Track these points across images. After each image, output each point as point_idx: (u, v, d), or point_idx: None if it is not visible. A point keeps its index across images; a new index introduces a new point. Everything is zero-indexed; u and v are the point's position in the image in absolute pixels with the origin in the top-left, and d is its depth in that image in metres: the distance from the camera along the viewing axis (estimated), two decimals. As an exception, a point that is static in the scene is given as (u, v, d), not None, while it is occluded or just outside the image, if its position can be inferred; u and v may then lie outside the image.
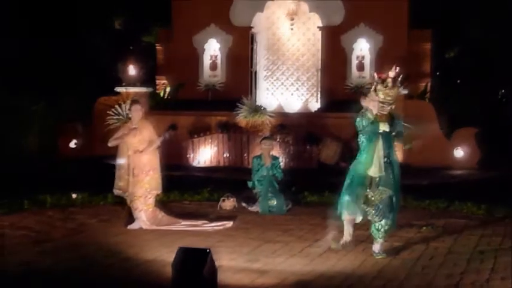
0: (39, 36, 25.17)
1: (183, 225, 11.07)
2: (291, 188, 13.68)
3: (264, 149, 13.13)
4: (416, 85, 23.58)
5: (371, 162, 9.04)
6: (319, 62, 23.92)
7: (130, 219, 11.12)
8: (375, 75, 9.14)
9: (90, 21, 27.44)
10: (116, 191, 11.24)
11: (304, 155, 19.93)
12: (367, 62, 23.20)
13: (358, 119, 9.14)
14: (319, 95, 23.95)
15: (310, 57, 24.50)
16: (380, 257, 9.06)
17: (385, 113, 9.04)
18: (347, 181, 9.32)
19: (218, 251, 8.47)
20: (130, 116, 11.36)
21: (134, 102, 11.48)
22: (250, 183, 13.04)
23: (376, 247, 9.19)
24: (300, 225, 11.23)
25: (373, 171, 9.06)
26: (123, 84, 22.47)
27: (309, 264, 8.69)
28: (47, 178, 15.58)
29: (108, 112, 20.14)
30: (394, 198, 9.18)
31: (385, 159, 9.07)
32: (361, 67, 23.12)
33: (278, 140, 19.59)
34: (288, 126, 20.83)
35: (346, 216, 9.39)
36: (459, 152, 20.51)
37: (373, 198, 9.11)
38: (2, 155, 19.32)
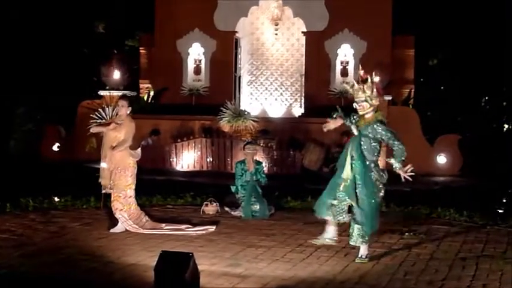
0: (23, 38, 25.07)
1: (166, 229, 11.03)
2: (274, 193, 13.68)
3: (247, 154, 13.14)
4: (400, 91, 23.71)
5: (344, 164, 9.26)
6: (303, 67, 23.98)
7: (112, 221, 11.08)
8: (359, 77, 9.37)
9: (73, 24, 27.35)
10: (103, 190, 11.16)
11: (287, 160, 19.94)
12: (351, 67, 23.28)
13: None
14: (302, 100, 24.01)
15: (294, 62, 24.57)
16: (359, 261, 9.09)
17: (361, 113, 9.28)
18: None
19: (200, 256, 8.47)
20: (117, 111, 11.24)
21: (122, 97, 11.43)
22: (233, 188, 13.03)
23: (361, 251, 9.24)
24: (282, 231, 11.22)
25: (344, 174, 9.26)
26: (107, 87, 22.45)
27: (291, 270, 8.68)
28: (30, 181, 15.51)
29: (91, 115, 20.05)
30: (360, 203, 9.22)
31: (353, 162, 9.17)
32: (345, 73, 23.20)
33: (261, 144, 19.59)
34: (272, 131, 20.87)
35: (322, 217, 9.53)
36: (442, 159, 20.61)
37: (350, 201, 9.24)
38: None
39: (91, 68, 26.84)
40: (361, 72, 9.36)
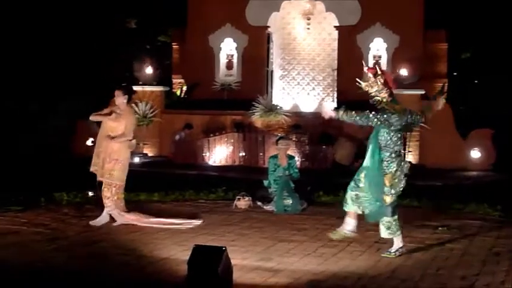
0: (60, 34, 25.29)
1: (151, 222, 11.01)
2: (306, 188, 13.67)
3: (280, 148, 13.14)
4: (432, 85, 23.53)
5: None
6: (335, 61, 23.92)
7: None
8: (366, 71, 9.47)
9: (107, 20, 27.52)
10: (92, 168, 11.14)
11: (319, 155, 19.91)
12: (383, 61, 23.17)
13: None
14: (335, 95, 23.94)
15: (326, 56, 24.51)
16: (385, 255, 9.09)
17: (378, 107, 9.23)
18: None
19: (232, 250, 8.47)
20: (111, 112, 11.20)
21: (118, 87, 11.30)
22: (266, 182, 13.05)
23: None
24: (314, 225, 11.22)
25: (365, 165, 9.28)
26: (140, 83, 22.57)
27: (322, 264, 8.68)
28: (63, 176, 15.64)
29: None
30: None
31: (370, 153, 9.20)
32: (377, 67, 23.06)
33: (293, 139, 19.57)
34: (303, 126, 20.85)
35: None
36: (475, 153, 20.43)
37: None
38: (18, 154, 19.44)
39: (124, 64, 26.99)
40: (365, 68, 9.36)
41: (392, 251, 9.14)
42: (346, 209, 9.49)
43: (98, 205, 11.39)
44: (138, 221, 10.98)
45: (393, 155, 9.16)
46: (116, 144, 10.95)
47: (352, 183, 9.34)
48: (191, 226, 10.94)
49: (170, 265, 8.43)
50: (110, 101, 22.16)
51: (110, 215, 11.08)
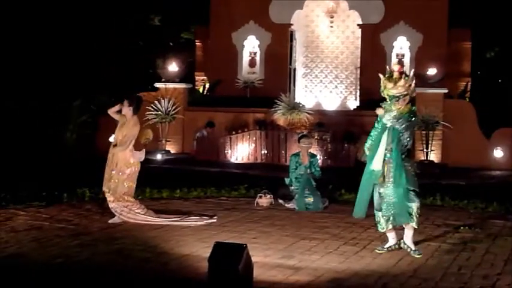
0: (82, 31, 25.40)
1: (161, 219, 11.05)
2: (328, 186, 13.66)
3: (302, 147, 13.12)
4: (456, 84, 23.47)
5: (373, 156, 9.11)
6: (358, 60, 23.88)
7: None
8: (388, 68, 9.28)
9: (130, 17, 27.64)
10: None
11: (341, 153, 19.88)
12: (406, 60, 23.07)
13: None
14: (357, 93, 23.90)
15: (349, 55, 24.47)
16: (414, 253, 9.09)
17: (398, 107, 9.05)
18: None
19: (253, 248, 8.49)
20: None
21: (126, 97, 11.23)
22: (287, 180, 13.05)
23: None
24: (336, 223, 11.21)
25: (374, 165, 9.09)
26: (162, 80, 22.64)
27: (344, 262, 8.67)
28: (85, 172, 15.73)
29: (147, 108, 20.31)
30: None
31: (388, 154, 9.04)
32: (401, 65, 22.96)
33: (316, 137, 19.54)
34: (326, 124, 20.83)
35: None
36: (498, 153, 20.29)
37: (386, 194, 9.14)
38: (41, 150, 19.56)
39: (147, 61, 27.11)
40: (398, 66, 9.25)
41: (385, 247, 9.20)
42: (382, 230, 9.34)
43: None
44: (146, 220, 10.98)
45: (404, 155, 9.12)
46: (119, 154, 10.96)
47: (382, 205, 9.20)
48: (202, 223, 10.96)
49: (191, 262, 8.46)
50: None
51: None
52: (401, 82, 9.02)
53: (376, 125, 9.19)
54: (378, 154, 9.07)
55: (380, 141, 9.10)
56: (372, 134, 9.27)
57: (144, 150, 11.21)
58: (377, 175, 9.09)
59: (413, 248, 9.16)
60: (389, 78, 9.09)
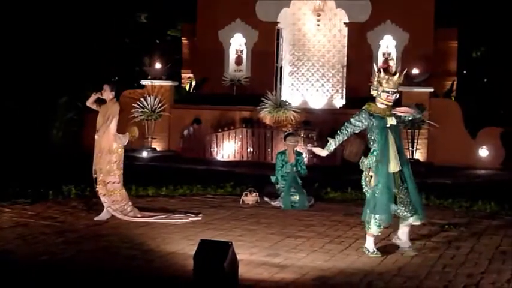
0: (64, 28, 25.31)
1: (149, 216, 11.08)
2: (314, 184, 13.69)
3: (288, 145, 13.14)
4: (442, 83, 23.54)
5: (388, 158, 8.97)
6: (345, 58, 23.93)
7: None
8: (375, 67, 9.22)
9: (116, 15, 27.56)
10: (94, 174, 11.14)
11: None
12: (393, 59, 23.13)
13: (354, 118, 9.12)
14: (344, 92, 23.94)
15: (336, 53, 24.51)
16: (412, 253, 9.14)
17: (390, 104, 9.04)
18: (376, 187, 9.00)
19: (239, 245, 8.51)
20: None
21: (106, 83, 11.25)
22: (273, 178, 13.06)
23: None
24: (321, 222, 11.23)
25: (393, 167, 9.02)
26: (149, 77, 22.61)
27: (329, 261, 8.69)
28: (71, 169, 15.69)
29: (133, 105, 20.29)
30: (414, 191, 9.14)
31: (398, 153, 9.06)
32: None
33: (302, 136, 19.56)
34: (312, 122, 20.86)
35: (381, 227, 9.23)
36: (484, 152, 20.40)
37: (401, 195, 9.05)
38: (27, 147, 19.51)
39: (133, 58, 27.03)
40: (393, 61, 9.28)
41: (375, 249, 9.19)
42: (377, 233, 9.17)
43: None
44: (136, 218, 10.98)
45: None
46: (103, 138, 10.94)
47: (398, 206, 9.08)
48: (188, 221, 10.97)
49: (177, 259, 8.47)
50: (120, 94, 22.35)
51: None
52: (395, 78, 9.01)
53: (356, 122, 9.08)
54: (392, 155, 8.96)
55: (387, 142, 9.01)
56: (347, 130, 9.18)
57: (127, 133, 11.18)
58: (396, 177, 9.04)
59: (410, 244, 9.25)
60: (386, 72, 9.04)
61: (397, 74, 9.03)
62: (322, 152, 9.44)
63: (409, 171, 9.10)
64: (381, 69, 9.09)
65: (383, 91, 9.00)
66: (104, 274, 7.87)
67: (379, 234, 9.20)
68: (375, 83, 9.10)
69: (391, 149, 8.97)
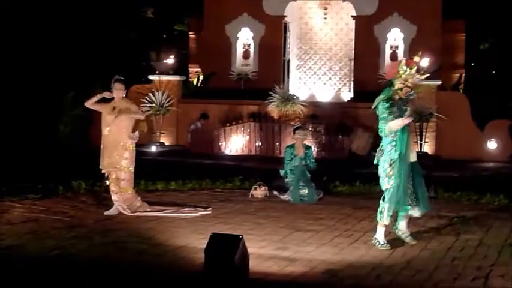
0: (73, 23, 25.37)
1: (158, 210, 11.15)
2: (323, 178, 13.71)
3: (297, 138, 13.16)
4: (450, 76, 23.51)
5: (408, 149, 9.09)
6: (352, 51, 23.89)
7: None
8: (403, 62, 9.21)
9: (123, 10, 27.60)
10: (101, 167, 11.18)
11: (335, 145, 19.93)
12: (400, 52, 23.09)
13: (382, 104, 9.13)
14: (351, 85, 23.94)
15: (343, 46, 24.49)
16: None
17: (403, 97, 9.15)
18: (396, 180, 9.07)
19: (248, 239, 8.51)
20: (111, 94, 11.08)
21: (116, 80, 11.14)
22: (282, 172, 13.10)
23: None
24: (330, 215, 11.26)
25: (412, 157, 9.16)
26: (156, 72, 22.64)
27: (338, 254, 8.73)
28: (80, 164, 15.75)
29: (141, 100, 20.33)
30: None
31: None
32: (394, 57, 22.96)
33: (310, 129, 19.57)
34: (320, 116, 20.86)
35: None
36: (492, 144, 20.36)
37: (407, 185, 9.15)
38: (36, 143, 19.57)
39: (140, 53, 27.10)
40: (418, 58, 9.28)
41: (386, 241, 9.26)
42: (386, 223, 9.24)
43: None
44: (146, 212, 11.04)
45: None
46: (116, 135, 10.98)
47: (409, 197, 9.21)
48: (197, 215, 11.03)
49: (187, 253, 8.51)
50: (128, 89, 22.39)
51: None
52: (417, 75, 9.11)
53: (389, 116, 9.09)
54: (411, 145, 9.21)
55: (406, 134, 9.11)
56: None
57: (137, 131, 11.22)
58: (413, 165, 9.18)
59: (409, 233, 9.35)
60: (410, 67, 9.09)
61: (419, 73, 9.14)
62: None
63: (416, 162, 9.19)
64: (408, 65, 9.16)
65: (407, 86, 9.09)
66: (114, 268, 7.91)
67: (387, 223, 9.24)
68: (399, 76, 9.15)
69: (410, 140, 9.16)
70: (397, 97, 9.10)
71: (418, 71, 9.18)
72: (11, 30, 23.47)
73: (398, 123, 8.92)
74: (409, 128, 9.15)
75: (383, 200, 9.11)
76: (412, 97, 9.23)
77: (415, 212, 9.28)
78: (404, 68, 9.08)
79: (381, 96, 9.16)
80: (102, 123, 11.14)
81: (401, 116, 8.98)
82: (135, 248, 8.81)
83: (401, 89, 9.09)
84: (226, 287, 6.70)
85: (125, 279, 7.48)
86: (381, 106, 9.06)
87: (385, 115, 8.98)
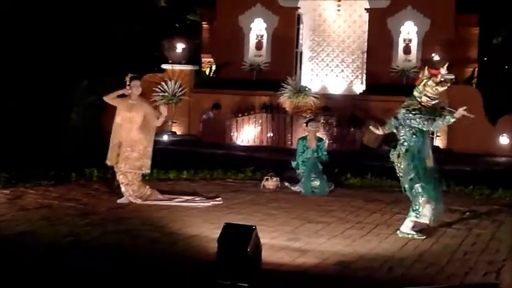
0: (87, 12, 25.38)
1: (169, 199, 11.23)
2: (334, 170, 13.72)
3: (310, 131, 13.16)
4: (463, 70, 23.43)
5: (426, 154, 9.29)
6: (365, 44, 23.85)
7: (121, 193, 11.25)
8: (426, 71, 9.24)
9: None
10: (107, 162, 11.23)
11: (347, 137, 19.94)
12: (413, 45, 23.05)
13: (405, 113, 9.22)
14: (364, 77, 23.90)
15: (356, 39, 24.44)
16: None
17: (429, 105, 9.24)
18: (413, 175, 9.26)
19: (260, 229, 8.50)
20: (129, 90, 11.12)
21: (134, 78, 11.22)
22: (294, 163, 13.11)
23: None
24: (342, 207, 11.28)
25: (428, 163, 9.27)
26: (169, 61, 22.67)
27: (350, 246, 8.76)
28: (93, 152, 15.78)
29: (153, 89, 20.36)
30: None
31: None
32: (407, 50, 22.98)
33: (322, 121, 19.57)
34: (332, 108, 20.87)
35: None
36: (504, 139, 20.33)
37: None
38: (49, 130, 19.62)
39: (152, 42, 27.06)
40: (445, 71, 9.35)
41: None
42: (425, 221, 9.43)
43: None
44: (156, 201, 11.11)
45: None
46: (135, 133, 11.03)
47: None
48: (209, 204, 11.07)
49: (200, 242, 8.54)
50: (141, 78, 22.41)
51: None
52: (441, 89, 9.21)
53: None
54: (430, 152, 9.46)
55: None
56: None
57: (161, 118, 11.38)
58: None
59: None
60: (434, 79, 9.18)
61: (445, 84, 9.18)
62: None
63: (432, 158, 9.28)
64: (431, 75, 9.20)
65: (425, 95, 9.20)
66: (128, 256, 7.95)
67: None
68: (421, 85, 9.17)
69: (428, 146, 9.42)
70: (418, 105, 9.20)
71: (440, 82, 9.19)
72: (24, 18, 23.50)
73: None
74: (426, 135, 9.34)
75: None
76: (441, 105, 9.32)
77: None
78: (426, 77, 9.16)
79: (403, 104, 9.34)
80: (117, 117, 11.19)
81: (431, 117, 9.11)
82: (148, 236, 8.85)
83: (426, 100, 9.17)
84: (239, 276, 6.71)
85: (139, 267, 7.50)
86: (413, 117, 9.20)
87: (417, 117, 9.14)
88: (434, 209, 9.27)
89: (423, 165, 9.20)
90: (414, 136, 9.25)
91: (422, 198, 9.14)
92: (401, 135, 9.32)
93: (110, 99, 11.23)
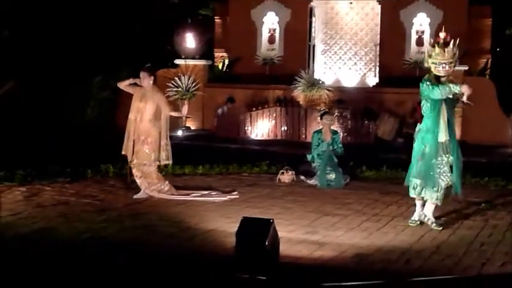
0: (99, 8, 25.45)
1: (186, 194, 11.27)
2: (349, 163, 13.72)
3: (325, 124, 13.17)
4: (476, 62, 23.36)
5: (438, 128, 9.17)
6: (378, 36, 23.79)
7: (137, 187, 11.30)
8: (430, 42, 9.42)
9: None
10: (123, 152, 11.26)
11: (361, 130, 19.94)
12: (426, 37, 22.97)
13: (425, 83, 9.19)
14: (377, 70, 23.86)
15: (369, 31, 24.36)
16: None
17: (444, 75, 9.16)
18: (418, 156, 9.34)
19: (277, 223, 8.52)
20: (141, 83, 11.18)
21: (141, 69, 11.29)
22: (309, 157, 13.12)
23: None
24: (358, 200, 11.30)
25: (441, 137, 9.18)
26: (182, 56, 22.70)
27: (367, 238, 8.78)
28: (108, 148, 15.82)
29: (167, 84, 20.40)
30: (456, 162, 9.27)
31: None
32: (420, 42, 22.90)
33: (336, 114, 19.57)
34: (346, 100, 20.87)
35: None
36: (519, 131, 20.26)
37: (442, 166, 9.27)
38: (64, 126, 19.71)
39: (165, 37, 27.11)
40: (443, 34, 9.31)
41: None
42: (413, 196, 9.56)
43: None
44: (172, 196, 11.15)
45: None
46: (147, 125, 11.07)
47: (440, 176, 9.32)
48: (225, 198, 11.12)
49: (217, 237, 8.58)
50: (155, 73, 22.47)
51: None
52: (449, 48, 9.11)
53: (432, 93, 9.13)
54: (443, 126, 9.24)
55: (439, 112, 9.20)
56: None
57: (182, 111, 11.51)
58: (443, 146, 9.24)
59: (434, 220, 9.40)
60: (435, 45, 9.13)
61: (450, 45, 9.14)
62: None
63: (456, 145, 9.26)
64: (436, 43, 9.20)
65: (433, 63, 9.19)
66: (145, 251, 7.99)
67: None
68: (427, 57, 9.25)
69: (442, 120, 9.18)
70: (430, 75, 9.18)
71: (443, 44, 9.19)
72: (42, 14, 23.61)
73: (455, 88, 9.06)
74: (444, 108, 9.27)
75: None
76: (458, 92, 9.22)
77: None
78: (430, 48, 9.16)
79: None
80: (131, 108, 11.24)
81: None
82: (166, 232, 8.89)
83: (434, 68, 9.13)
84: (258, 270, 6.74)
85: (158, 263, 7.53)
86: (421, 86, 9.17)
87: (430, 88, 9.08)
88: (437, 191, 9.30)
89: (433, 141, 9.17)
90: (430, 111, 9.21)
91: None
92: (423, 111, 9.33)
93: (123, 85, 11.34)
